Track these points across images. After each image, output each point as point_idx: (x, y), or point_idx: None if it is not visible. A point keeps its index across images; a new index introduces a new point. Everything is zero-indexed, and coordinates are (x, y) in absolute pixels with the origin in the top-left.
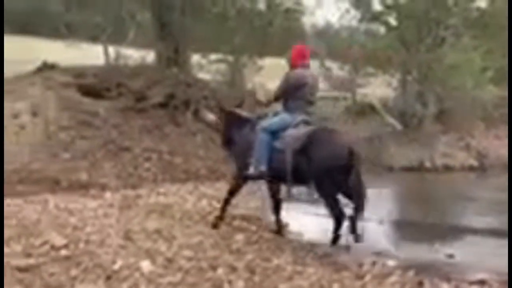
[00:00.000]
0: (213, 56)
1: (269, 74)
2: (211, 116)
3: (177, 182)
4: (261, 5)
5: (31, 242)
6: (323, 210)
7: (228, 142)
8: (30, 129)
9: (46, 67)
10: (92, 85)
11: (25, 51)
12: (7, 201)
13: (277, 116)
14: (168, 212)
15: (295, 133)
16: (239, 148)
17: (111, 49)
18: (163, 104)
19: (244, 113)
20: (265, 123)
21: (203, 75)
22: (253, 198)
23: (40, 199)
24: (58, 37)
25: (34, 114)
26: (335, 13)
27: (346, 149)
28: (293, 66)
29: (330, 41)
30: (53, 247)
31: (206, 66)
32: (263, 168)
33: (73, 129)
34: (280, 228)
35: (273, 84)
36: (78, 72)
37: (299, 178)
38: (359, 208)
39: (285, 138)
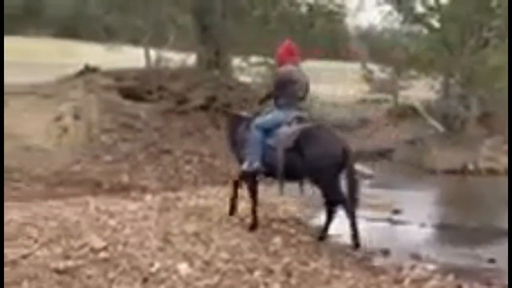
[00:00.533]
0: (254, 59)
1: (311, 76)
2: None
3: (217, 185)
4: (303, 8)
5: (71, 244)
6: (363, 212)
7: (233, 145)
8: (72, 131)
9: (88, 70)
10: (133, 88)
11: (67, 55)
12: (48, 202)
13: (270, 114)
14: (207, 215)
15: (288, 131)
16: (239, 146)
17: (152, 52)
18: (204, 107)
19: (243, 113)
20: (258, 120)
21: (243, 78)
22: (293, 201)
23: (81, 201)
24: (100, 40)
25: (76, 117)
26: (378, 16)
27: (340, 147)
28: (281, 63)
29: (373, 43)
30: (92, 249)
31: (246, 69)
32: (256, 164)
33: (114, 132)
34: (255, 223)
35: (314, 87)
36: (119, 75)
37: (291, 175)
38: (353, 204)
39: (279, 135)
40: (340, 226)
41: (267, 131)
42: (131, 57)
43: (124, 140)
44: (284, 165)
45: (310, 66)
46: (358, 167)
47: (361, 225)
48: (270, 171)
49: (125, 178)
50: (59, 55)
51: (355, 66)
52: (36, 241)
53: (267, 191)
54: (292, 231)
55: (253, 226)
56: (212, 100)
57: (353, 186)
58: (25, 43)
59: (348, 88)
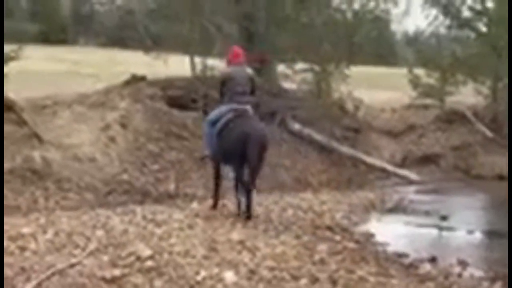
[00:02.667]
0: (299, 66)
1: (356, 82)
2: (297, 126)
3: (262, 192)
4: (348, 14)
5: (118, 253)
6: (410, 219)
7: None
8: (120, 140)
9: (135, 80)
10: (179, 97)
11: (115, 64)
12: (96, 211)
13: (216, 109)
14: (253, 223)
15: (222, 121)
16: None
17: (198, 61)
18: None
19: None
20: (209, 115)
21: (288, 85)
22: (338, 208)
23: (128, 210)
24: (146, 49)
25: (124, 126)
26: (424, 20)
27: (244, 134)
28: (228, 64)
29: (420, 49)
30: (138, 258)
31: (291, 76)
32: (206, 152)
33: (161, 140)
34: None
35: (360, 92)
36: (166, 84)
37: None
38: (250, 182)
39: (216, 126)
40: (387, 234)
41: (214, 123)
42: (177, 66)
43: (171, 148)
44: (218, 149)
45: (355, 72)
46: (405, 172)
47: (409, 231)
48: (215, 157)
49: (171, 187)
50: (106, 65)
51: (402, 71)
52: (83, 249)
53: (316, 199)
54: (338, 238)
55: (213, 207)
56: (256, 108)
57: (254, 168)
58: (74, 53)
59: (395, 93)
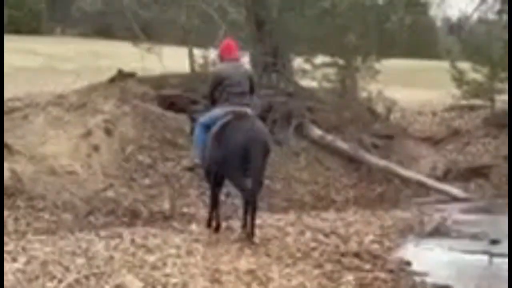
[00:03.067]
0: (319, 60)
1: (389, 79)
2: (317, 132)
3: (276, 212)
4: None
5: (101, 285)
6: (456, 243)
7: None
8: (104, 150)
9: (122, 76)
10: (175, 97)
11: (97, 57)
12: (76, 235)
13: (211, 111)
14: (264, 248)
15: (218, 124)
16: None
17: (198, 54)
18: (260, 118)
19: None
20: (201, 118)
21: (307, 83)
22: (368, 231)
23: (114, 233)
24: (135, 40)
25: (109, 132)
26: (469, 4)
27: (246, 137)
28: (221, 60)
29: (465, 38)
30: None
31: (310, 72)
32: (196, 160)
33: (154, 150)
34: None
35: (392, 91)
36: (159, 82)
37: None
38: (254, 191)
39: (211, 130)
40: (426, 261)
41: (207, 127)
42: (172, 60)
43: (165, 159)
44: (212, 155)
45: (387, 66)
46: (447, 187)
47: (452, 258)
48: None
49: (166, 205)
50: (88, 58)
51: (443, 65)
52: (60, 281)
53: (341, 219)
54: (368, 266)
55: (208, 224)
56: (268, 110)
57: (256, 174)
58: (50, 45)
59: (435, 92)
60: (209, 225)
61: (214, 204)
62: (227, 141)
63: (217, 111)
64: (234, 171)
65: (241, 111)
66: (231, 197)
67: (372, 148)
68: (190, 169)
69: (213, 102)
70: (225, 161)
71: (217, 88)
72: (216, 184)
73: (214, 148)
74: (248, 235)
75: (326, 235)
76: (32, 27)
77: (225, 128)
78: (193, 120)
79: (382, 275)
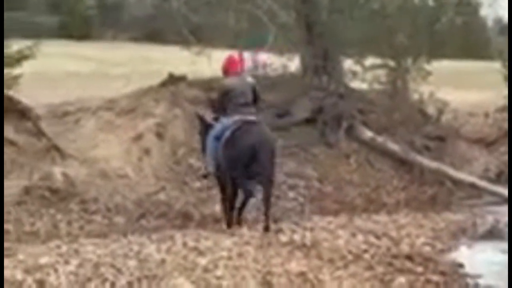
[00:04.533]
0: (369, 61)
1: (440, 80)
2: (368, 134)
3: (327, 214)
4: None
5: (153, 287)
6: None
7: (203, 147)
8: (155, 153)
9: (173, 80)
10: None
11: (148, 62)
12: (128, 238)
13: (220, 124)
14: (315, 251)
15: (226, 134)
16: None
17: (248, 57)
18: (310, 121)
19: (208, 118)
20: (212, 132)
21: (357, 84)
22: (420, 233)
23: (165, 236)
24: (186, 44)
25: (160, 135)
26: None
27: (252, 139)
28: (225, 74)
29: None
30: None
31: (360, 73)
32: (210, 169)
33: None
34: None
35: (444, 93)
36: (209, 85)
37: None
38: (266, 193)
39: (221, 139)
40: (478, 264)
41: (218, 138)
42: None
43: None
44: (223, 161)
45: (438, 67)
46: (500, 189)
47: (505, 260)
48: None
49: (217, 208)
50: (138, 63)
51: (495, 65)
52: (112, 284)
53: (392, 222)
54: (420, 269)
55: (228, 225)
56: (319, 112)
57: (266, 175)
58: (101, 50)
59: (487, 93)
60: (229, 224)
61: (231, 207)
62: (237, 144)
63: (225, 121)
64: (240, 171)
65: (248, 119)
66: (281, 200)
67: (424, 150)
68: (204, 176)
69: (222, 112)
70: (234, 162)
71: (224, 100)
72: (232, 189)
73: (225, 154)
74: (265, 227)
75: (378, 238)
76: (83, 33)
77: (234, 133)
78: (201, 119)
79: (434, 277)
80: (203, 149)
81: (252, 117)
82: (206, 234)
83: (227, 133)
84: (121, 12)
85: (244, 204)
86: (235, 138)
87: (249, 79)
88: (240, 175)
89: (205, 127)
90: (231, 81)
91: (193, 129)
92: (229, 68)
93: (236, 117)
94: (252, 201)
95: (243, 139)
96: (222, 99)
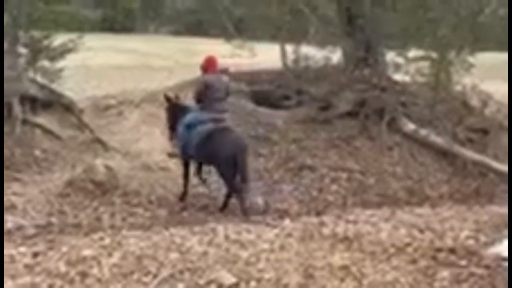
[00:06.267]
0: (412, 53)
1: (484, 72)
2: (411, 126)
3: (369, 207)
4: None
5: (195, 280)
6: None
7: (173, 128)
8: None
9: None
10: (267, 93)
11: (190, 54)
12: (170, 230)
13: (193, 113)
14: (357, 244)
15: (201, 130)
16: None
17: (290, 49)
18: (352, 113)
19: (185, 103)
20: (185, 119)
21: (400, 77)
22: (463, 226)
23: (207, 229)
24: (227, 37)
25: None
26: None
27: (234, 145)
28: (204, 72)
29: None
30: (220, 286)
31: (403, 66)
32: (177, 150)
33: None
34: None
35: (487, 85)
36: (251, 78)
37: (202, 161)
38: (244, 186)
39: (194, 132)
40: None
41: (189, 126)
42: (265, 56)
43: (258, 155)
44: (197, 153)
45: (482, 60)
46: None
47: None
48: (189, 156)
49: (259, 201)
50: (181, 55)
51: None
52: (155, 276)
53: (435, 215)
54: (463, 262)
55: (181, 198)
56: (361, 105)
57: (244, 173)
58: (143, 42)
59: None
60: (183, 197)
61: (186, 181)
62: (219, 150)
63: (197, 114)
64: (227, 172)
65: (220, 126)
66: (323, 193)
67: (467, 142)
68: (170, 155)
69: (199, 103)
70: (220, 164)
71: (202, 94)
72: (187, 168)
73: (201, 151)
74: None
75: (421, 231)
76: (126, 26)
77: (212, 137)
78: (169, 100)
79: (478, 271)
80: (172, 128)
81: (225, 116)
82: (248, 227)
83: (202, 134)
84: (163, 5)
85: (232, 194)
86: (217, 143)
87: (224, 78)
88: (227, 175)
89: (180, 110)
90: (210, 77)
91: (235, 122)
92: (208, 66)
93: (210, 115)
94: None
95: (224, 145)
96: (201, 93)
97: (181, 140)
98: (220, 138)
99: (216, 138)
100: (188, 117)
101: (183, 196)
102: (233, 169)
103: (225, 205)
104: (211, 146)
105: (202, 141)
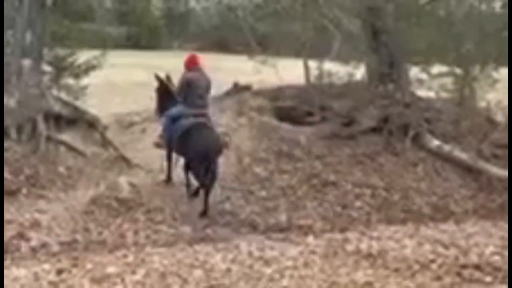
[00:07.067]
0: (436, 69)
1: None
2: (435, 142)
3: (394, 223)
4: (497, 3)
5: None
6: None
7: (161, 111)
8: (220, 162)
9: (238, 89)
10: (291, 109)
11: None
12: (194, 247)
13: (178, 107)
14: (382, 261)
15: (183, 123)
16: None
17: (313, 65)
18: (376, 129)
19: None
20: (170, 112)
21: (423, 92)
22: (489, 242)
23: (231, 246)
24: (251, 53)
25: (225, 144)
26: None
27: (207, 145)
28: (187, 69)
29: None
30: None
31: (427, 81)
32: (162, 141)
33: (270, 162)
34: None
35: None
36: (275, 94)
37: (181, 154)
38: (211, 180)
39: (176, 125)
40: None
41: (174, 120)
42: (288, 72)
43: (282, 171)
44: (177, 146)
45: (506, 75)
46: None
47: None
48: (170, 146)
49: (283, 217)
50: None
51: None
52: None
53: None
54: (488, 279)
55: (167, 180)
56: (385, 121)
57: (213, 169)
58: (168, 59)
59: None
60: (168, 178)
61: (169, 162)
62: (193, 146)
63: (181, 108)
64: (196, 167)
65: (199, 121)
66: (347, 209)
67: (492, 158)
68: (157, 144)
69: (182, 98)
70: (190, 159)
71: (185, 90)
72: (170, 154)
73: (180, 144)
74: (203, 211)
75: (445, 247)
76: (150, 43)
77: (190, 132)
78: (162, 83)
79: (504, 287)
80: (161, 110)
81: (205, 111)
82: (272, 244)
83: (183, 126)
84: (187, 22)
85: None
86: (193, 139)
87: (206, 75)
88: (197, 169)
89: (169, 93)
90: (192, 74)
91: (258, 138)
92: (190, 64)
93: (192, 110)
94: None
95: (197, 142)
96: (183, 88)
97: (167, 132)
98: (196, 133)
99: (193, 133)
100: (174, 111)
101: (167, 180)
102: (203, 166)
103: (196, 193)
104: (186, 140)
105: (181, 135)
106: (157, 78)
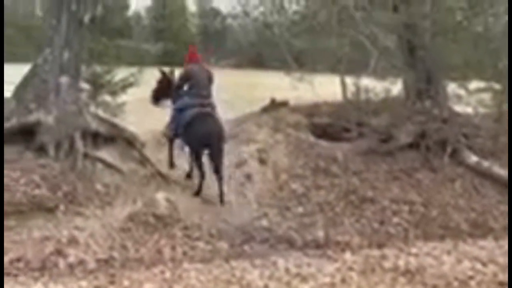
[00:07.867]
0: (474, 85)
1: None
2: (473, 158)
3: (432, 240)
4: None
5: None
6: None
7: (156, 99)
8: (257, 178)
9: (275, 105)
10: (327, 125)
11: (250, 87)
12: (231, 263)
13: (183, 98)
14: (420, 277)
15: (189, 112)
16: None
17: (350, 81)
18: (413, 145)
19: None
20: (176, 104)
21: (461, 108)
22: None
23: (268, 262)
24: (288, 69)
25: (262, 161)
26: None
27: (209, 132)
28: (187, 63)
29: None
30: None
31: (465, 97)
32: (171, 133)
33: (307, 178)
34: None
35: None
36: (311, 110)
37: (187, 141)
38: (217, 170)
39: (183, 115)
40: None
41: (181, 110)
42: (325, 88)
43: (318, 187)
44: (183, 135)
45: None
46: None
47: None
48: (177, 136)
49: (320, 233)
50: (241, 88)
51: None
52: None
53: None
54: None
55: (170, 166)
56: (422, 137)
57: (217, 158)
58: None
59: None
60: (171, 164)
61: (171, 151)
62: (196, 133)
63: (187, 99)
64: (198, 155)
65: (204, 111)
66: (385, 225)
67: None
68: (165, 134)
69: (180, 90)
70: (193, 147)
71: (186, 82)
72: (171, 147)
73: (185, 133)
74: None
75: (484, 264)
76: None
77: (193, 120)
78: (163, 74)
79: None
80: (156, 99)
81: (208, 106)
82: (309, 260)
83: (188, 116)
84: (224, 38)
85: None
86: (196, 126)
87: (206, 67)
88: (198, 155)
89: (168, 86)
90: (192, 67)
91: (295, 154)
92: (190, 57)
93: (196, 100)
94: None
95: (201, 129)
96: (184, 81)
97: (173, 121)
98: (199, 122)
99: (196, 122)
100: (179, 102)
101: (170, 166)
102: (205, 151)
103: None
104: (190, 128)
105: (187, 123)
106: (161, 72)
